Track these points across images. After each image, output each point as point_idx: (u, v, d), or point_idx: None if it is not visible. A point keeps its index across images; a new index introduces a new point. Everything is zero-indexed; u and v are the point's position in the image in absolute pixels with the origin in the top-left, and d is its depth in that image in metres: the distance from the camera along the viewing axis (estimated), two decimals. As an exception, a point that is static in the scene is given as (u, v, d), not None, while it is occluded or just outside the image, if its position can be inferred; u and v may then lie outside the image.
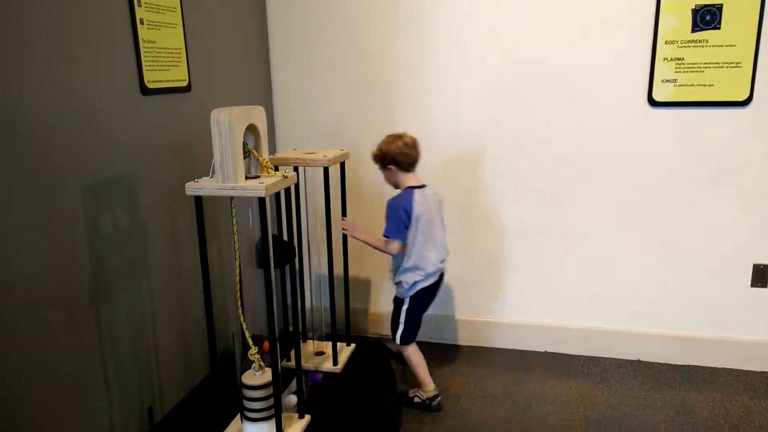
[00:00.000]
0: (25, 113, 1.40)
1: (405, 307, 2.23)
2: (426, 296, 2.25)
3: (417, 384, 2.29)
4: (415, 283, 2.19)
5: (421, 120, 2.62)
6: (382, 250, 2.20)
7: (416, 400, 2.26)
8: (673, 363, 2.60)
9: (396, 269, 2.24)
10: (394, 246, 2.15)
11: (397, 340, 2.26)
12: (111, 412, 1.72)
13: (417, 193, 2.14)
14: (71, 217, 1.55)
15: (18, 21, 1.37)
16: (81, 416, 1.61)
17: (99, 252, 1.65)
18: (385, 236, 2.17)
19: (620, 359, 2.64)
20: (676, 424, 2.16)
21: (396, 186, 2.21)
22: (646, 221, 2.51)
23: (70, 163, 1.54)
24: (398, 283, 2.23)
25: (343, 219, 2.22)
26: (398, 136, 2.15)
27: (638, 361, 2.63)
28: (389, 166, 2.15)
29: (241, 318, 1.71)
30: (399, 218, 2.13)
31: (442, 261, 2.25)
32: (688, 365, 2.58)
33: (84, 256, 1.60)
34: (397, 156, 2.13)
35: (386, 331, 2.86)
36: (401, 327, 2.24)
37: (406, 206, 2.12)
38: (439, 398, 2.25)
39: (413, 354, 2.27)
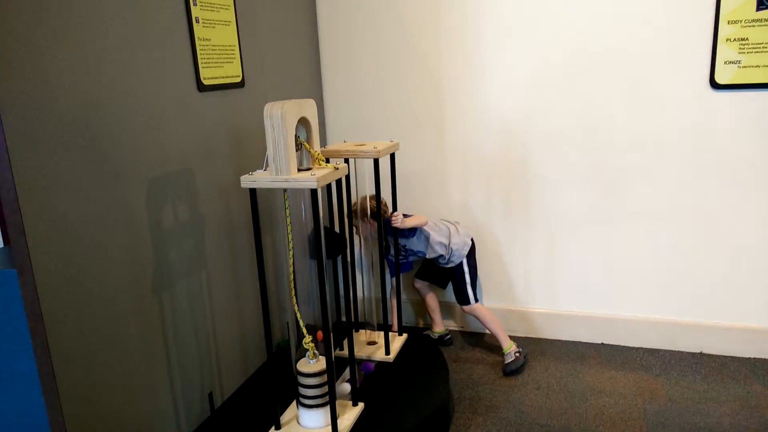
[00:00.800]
0: (90, 113, 1.47)
1: (465, 268, 2.56)
2: (473, 255, 2.60)
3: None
4: (465, 245, 2.55)
5: (470, 109, 2.60)
6: (425, 222, 2.48)
7: (517, 356, 2.48)
8: (737, 355, 2.50)
9: (445, 250, 2.53)
10: (424, 216, 2.48)
11: (472, 301, 2.57)
12: (174, 398, 1.80)
13: None
14: (134, 210, 1.62)
15: (80, 22, 1.44)
16: (147, 400, 1.69)
17: (161, 243, 1.72)
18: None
19: (681, 351, 2.56)
20: (741, 417, 2.09)
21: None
22: (708, 209, 2.42)
23: (132, 159, 1.61)
24: (451, 254, 2.53)
25: (393, 214, 2.31)
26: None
27: (701, 353, 2.54)
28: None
29: (296, 308, 1.75)
30: None
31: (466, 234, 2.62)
32: (754, 358, 2.48)
33: (147, 247, 1.67)
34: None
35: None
36: (470, 288, 2.57)
37: None
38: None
39: (485, 310, 2.59)
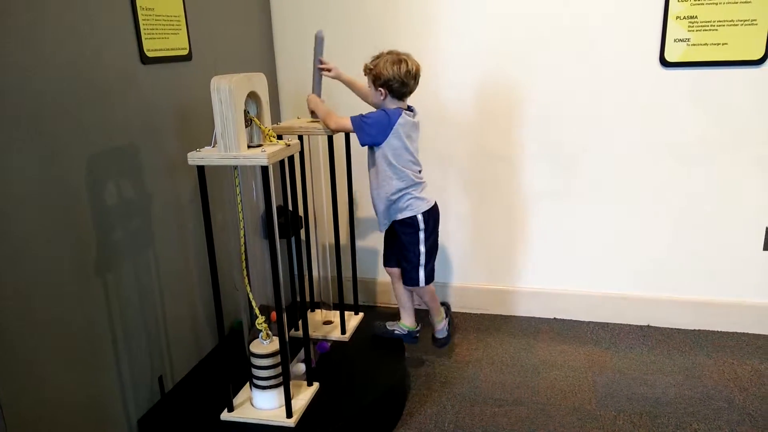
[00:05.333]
0: (25, 85, 1.38)
1: (422, 233, 2.04)
2: (435, 220, 2.10)
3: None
4: (425, 200, 2.04)
5: (427, 85, 2.56)
6: (321, 117, 1.99)
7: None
8: (683, 328, 2.59)
9: (392, 195, 2.01)
10: (342, 124, 1.96)
11: (422, 281, 2.09)
12: (122, 382, 1.74)
13: (404, 114, 1.95)
14: (75, 189, 1.54)
15: (11, -11, 1.34)
16: (92, 386, 1.63)
17: (104, 223, 1.65)
18: (355, 123, 1.95)
19: (630, 324, 2.64)
20: (685, 388, 2.16)
21: (375, 106, 2.03)
22: (657, 184, 2.48)
23: (72, 135, 1.52)
24: (403, 208, 2.02)
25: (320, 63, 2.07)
26: (401, 60, 1.91)
27: (648, 326, 2.62)
28: (380, 89, 1.94)
29: (248, 288, 1.71)
30: (383, 127, 1.92)
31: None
32: (698, 330, 2.57)
33: (89, 227, 1.60)
34: (393, 83, 1.91)
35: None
36: (423, 259, 2.07)
37: (393, 120, 1.92)
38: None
39: (433, 292, 2.18)
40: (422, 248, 2.06)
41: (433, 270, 2.14)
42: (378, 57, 1.97)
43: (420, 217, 2.03)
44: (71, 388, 1.55)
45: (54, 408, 1.50)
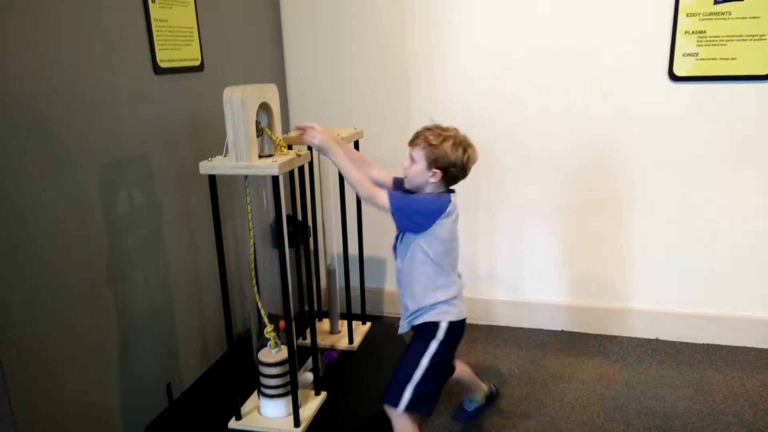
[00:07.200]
0: (38, 94, 1.40)
1: (434, 343, 1.66)
2: (457, 338, 1.74)
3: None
4: (457, 308, 1.70)
5: (434, 98, 2.59)
6: (358, 187, 1.61)
7: None
8: (692, 342, 2.57)
9: (424, 294, 1.67)
10: (378, 199, 1.60)
11: (403, 404, 1.63)
12: (130, 389, 1.75)
13: (452, 198, 1.68)
14: (87, 197, 1.57)
15: (29, 1, 1.37)
16: (101, 392, 1.64)
17: (115, 231, 1.67)
18: (397, 203, 1.60)
19: (638, 338, 2.62)
20: (695, 402, 2.15)
21: (416, 186, 1.69)
22: (665, 199, 2.47)
23: (84, 144, 1.55)
24: (427, 311, 1.68)
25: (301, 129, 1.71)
26: (470, 146, 1.66)
27: (656, 339, 2.61)
28: (435, 171, 1.63)
29: (257, 297, 1.72)
30: (431, 214, 1.61)
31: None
32: (708, 344, 2.56)
33: (101, 235, 1.61)
34: (454, 169, 1.63)
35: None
36: (419, 376, 1.65)
37: (444, 206, 1.63)
38: None
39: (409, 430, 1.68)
40: (425, 362, 1.65)
41: (428, 402, 1.69)
42: (440, 133, 1.63)
43: (444, 326, 1.67)
44: (80, 395, 1.57)
45: (63, 415, 1.51)
